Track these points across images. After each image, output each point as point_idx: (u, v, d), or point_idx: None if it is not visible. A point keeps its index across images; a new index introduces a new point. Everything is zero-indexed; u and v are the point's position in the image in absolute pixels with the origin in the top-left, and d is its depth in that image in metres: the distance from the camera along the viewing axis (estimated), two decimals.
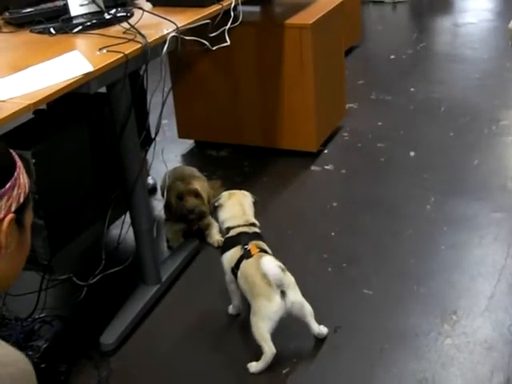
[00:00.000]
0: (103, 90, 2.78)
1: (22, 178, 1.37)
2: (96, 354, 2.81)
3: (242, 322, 2.93)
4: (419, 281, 3.11)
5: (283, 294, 2.60)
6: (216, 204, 2.99)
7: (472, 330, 2.79)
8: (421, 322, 2.86)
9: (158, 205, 3.84)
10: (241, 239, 2.84)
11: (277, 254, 3.25)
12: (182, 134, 4.62)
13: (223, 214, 2.97)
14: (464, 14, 7.35)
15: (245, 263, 2.75)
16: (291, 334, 2.81)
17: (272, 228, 3.60)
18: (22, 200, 1.35)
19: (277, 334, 2.74)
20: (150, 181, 4.04)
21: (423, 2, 8.01)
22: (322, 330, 2.79)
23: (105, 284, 2.96)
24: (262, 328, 2.62)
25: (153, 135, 3.02)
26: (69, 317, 2.98)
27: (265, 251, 2.83)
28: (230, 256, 2.84)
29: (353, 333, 2.84)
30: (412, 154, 4.27)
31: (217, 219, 3.06)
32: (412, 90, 5.28)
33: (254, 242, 2.82)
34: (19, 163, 1.38)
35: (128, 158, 2.89)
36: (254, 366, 2.68)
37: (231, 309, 2.99)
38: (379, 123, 4.73)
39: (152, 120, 3.15)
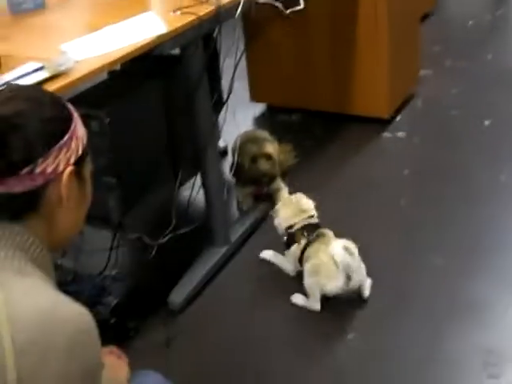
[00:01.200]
0: (177, 51, 2.79)
1: (79, 129, 1.35)
2: (164, 312, 2.86)
3: None
4: (491, 252, 3.07)
5: (349, 277, 2.69)
6: (274, 215, 3.08)
7: None
8: (490, 293, 2.82)
9: (229, 167, 3.86)
10: (304, 231, 2.93)
11: (346, 220, 3.26)
12: (254, 97, 4.62)
13: (278, 220, 3.04)
14: None
15: (309, 250, 2.85)
16: (359, 299, 2.81)
17: (342, 194, 3.59)
18: (80, 152, 1.33)
19: (345, 299, 2.76)
20: (222, 143, 4.06)
21: None
22: (365, 293, 2.85)
23: (175, 244, 2.99)
24: (316, 291, 2.77)
25: (225, 98, 3.03)
26: (139, 275, 3.04)
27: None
28: (295, 249, 2.94)
29: (419, 301, 2.82)
30: (486, 122, 4.18)
31: (277, 228, 3.09)
32: (489, 57, 5.15)
33: (320, 230, 2.91)
34: (75, 114, 1.36)
35: (200, 120, 2.91)
36: (298, 298, 2.86)
37: (267, 255, 3.16)
38: (454, 91, 4.64)
39: (224, 83, 3.16)
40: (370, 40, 4.05)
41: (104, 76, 2.98)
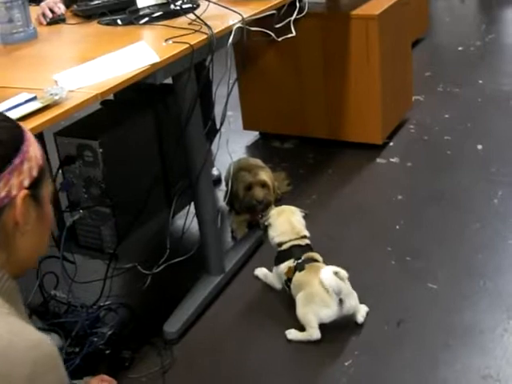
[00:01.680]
0: (169, 80, 2.80)
1: (32, 150, 1.30)
2: (159, 342, 2.84)
3: None
4: (486, 276, 3.06)
5: (341, 301, 2.70)
6: (266, 223, 3.06)
7: None
8: (486, 318, 2.81)
9: (223, 196, 3.86)
10: (293, 253, 2.94)
11: (340, 246, 3.25)
12: (247, 125, 4.63)
13: (273, 232, 3.04)
14: None
15: (298, 275, 2.84)
16: (354, 326, 2.80)
17: (336, 220, 3.59)
18: (35, 174, 1.29)
19: (340, 326, 2.74)
20: (215, 172, 4.06)
21: None
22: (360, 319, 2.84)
23: (169, 273, 2.98)
24: (312, 319, 2.74)
25: (218, 126, 3.03)
26: (133, 305, 3.01)
27: (316, 261, 2.91)
28: (283, 268, 2.94)
29: (416, 327, 2.81)
30: (479, 147, 4.19)
31: (268, 237, 3.10)
32: (480, 82, 5.18)
33: (308, 254, 2.91)
34: (28, 135, 1.32)
35: (193, 149, 2.91)
36: (293, 334, 2.79)
37: (260, 272, 3.19)
38: (446, 115, 4.66)
39: (217, 111, 3.16)
40: (362, 66, 4.07)
41: (97, 106, 2.98)
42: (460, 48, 5.97)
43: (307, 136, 4.43)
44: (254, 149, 4.53)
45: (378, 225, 3.54)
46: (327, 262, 2.93)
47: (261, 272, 3.17)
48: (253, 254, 3.37)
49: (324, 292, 2.69)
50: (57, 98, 2.10)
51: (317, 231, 3.38)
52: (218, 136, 3.08)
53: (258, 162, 3.70)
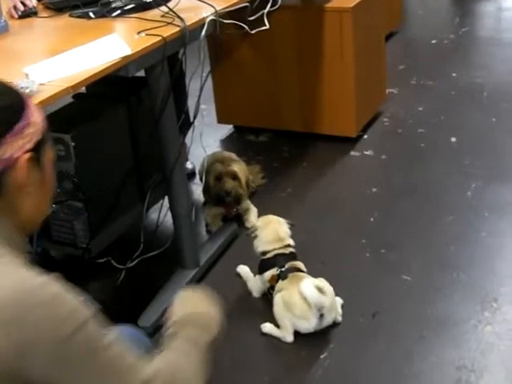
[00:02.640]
0: (142, 73, 2.78)
1: (33, 115, 1.37)
2: None
3: None
4: (459, 268, 3.07)
5: (321, 316, 2.68)
6: (252, 235, 3.01)
7: None
8: (460, 309, 2.83)
9: (197, 189, 3.84)
10: (277, 261, 2.90)
11: (315, 239, 3.25)
12: (221, 118, 4.62)
13: (258, 242, 2.99)
14: None
15: (281, 283, 2.81)
16: None
17: (311, 213, 3.59)
18: (37, 138, 1.36)
19: None
20: (189, 165, 4.04)
21: None
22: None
23: (143, 267, 2.97)
24: (288, 325, 2.73)
25: (192, 120, 3.02)
26: (107, 299, 2.99)
27: (301, 271, 2.87)
28: (267, 276, 2.91)
29: (391, 319, 2.81)
30: (453, 139, 4.21)
31: (254, 247, 3.05)
32: (454, 75, 5.20)
33: (291, 263, 2.88)
34: (29, 101, 1.38)
35: (166, 142, 2.89)
36: (268, 328, 2.79)
37: (241, 270, 3.15)
38: (420, 108, 4.68)
39: (191, 104, 3.15)
40: (335, 59, 4.07)
41: (69, 99, 2.96)
42: (434, 41, 5.99)
43: (282, 129, 4.43)
44: (228, 142, 4.52)
45: (352, 217, 3.54)
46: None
47: (243, 271, 3.13)
48: (228, 247, 3.36)
49: (304, 304, 2.66)
50: (27, 91, 2.08)
51: None
52: (192, 129, 3.07)
53: (233, 155, 3.70)
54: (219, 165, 3.52)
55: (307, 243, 3.26)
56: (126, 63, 2.40)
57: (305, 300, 2.65)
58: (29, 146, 1.34)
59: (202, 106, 4.53)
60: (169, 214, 3.09)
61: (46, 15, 3.09)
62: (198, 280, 3.12)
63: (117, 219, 2.95)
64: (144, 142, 2.97)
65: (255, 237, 3.00)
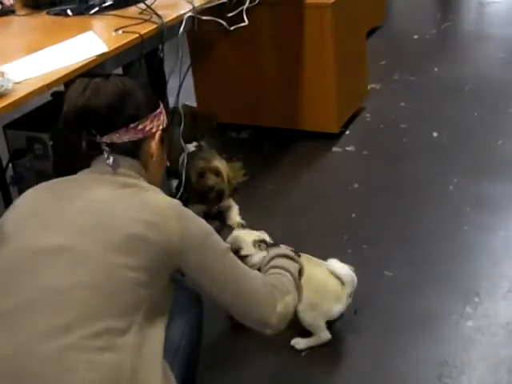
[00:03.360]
0: (120, 71, 2.76)
1: (163, 110, 1.97)
2: None
3: None
4: (441, 263, 3.07)
5: (350, 294, 2.57)
6: (241, 256, 2.61)
7: (494, 313, 2.75)
8: (442, 305, 2.82)
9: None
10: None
11: (297, 235, 3.24)
12: None
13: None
14: None
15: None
16: None
17: (293, 210, 3.58)
18: (166, 123, 1.96)
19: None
20: (168, 163, 4.00)
21: None
22: None
23: None
24: (321, 322, 2.60)
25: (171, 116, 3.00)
26: None
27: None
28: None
29: (373, 315, 2.81)
30: (435, 134, 4.21)
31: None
32: (436, 69, 5.20)
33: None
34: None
35: None
36: (301, 343, 2.65)
37: None
38: (402, 104, 4.68)
39: (172, 102, 3.13)
40: (316, 55, 4.06)
41: (47, 97, 2.94)
42: (416, 36, 5.99)
43: (263, 126, 4.41)
44: (209, 138, 4.49)
45: (334, 213, 3.54)
46: None
47: None
48: None
49: (337, 285, 2.55)
50: (2, 89, 2.07)
51: (273, 221, 3.37)
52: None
53: (213, 152, 3.68)
54: (201, 161, 3.50)
55: (289, 239, 3.23)
56: (103, 60, 2.40)
57: (337, 280, 2.54)
58: (162, 127, 1.93)
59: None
60: None
61: (23, 13, 3.07)
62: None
63: None
64: None
65: (245, 257, 2.61)
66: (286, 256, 2.27)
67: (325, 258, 2.69)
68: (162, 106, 1.96)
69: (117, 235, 1.70)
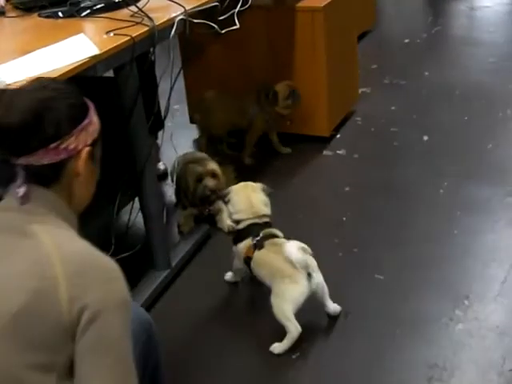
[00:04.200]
0: (111, 73, 2.76)
1: (94, 116, 1.63)
2: None
3: (253, 306, 2.93)
4: (431, 266, 3.08)
5: (309, 275, 2.64)
6: (226, 199, 2.99)
7: (484, 316, 2.76)
8: (432, 308, 2.83)
9: (170, 190, 3.83)
10: (250, 231, 2.87)
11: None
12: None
13: (231, 208, 2.98)
14: None
15: (258, 253, 2.79)
16: (302, 319, 2.79)
17: (284, 213, 3.57)
18: (95, 135, 1.62)
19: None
20: (161, 166, 4.02)
21: None
22: (336, 308, 2.81)
23: None
24: (287, 309, 2.65)
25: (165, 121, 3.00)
26: None
27: (276, 236, 2.86)
28: (242, 247, 2.88)
29: (364, 318, 2.81)
30: (425, 138, 4.22)
31: (219, 221, 3.11)
32: (426, 74, 5.23)
33: (266, 231, 2.86)
34: (91, 105, 1.64)
35: (136, 143, 2.87)
36: (278, 347, 2.68)
37: (230, 276, 3.09)
38: (392, 107, 4.69)
39: (163, 105, 3.13)
40: (307, 59, 4.07)
41: None
42: (406, 40, 6.02)
43: None
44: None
45: (325, 217, 3.55)
46: None
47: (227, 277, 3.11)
48: (200, 248, 3.34)
49: (291, 268, 2.63)
50: None
51: None
52: (164, 130, 3.05)
53: (204, 155, 3.68)
54: (196, 165, 3.50)
55: None
56: (94, 63, 2.38)
57: (290, 263, 2.63)
58: (89, 141, 1.60)
59: (176, 106, 4.55)
60: (140, 215, 3.06)
61: (14, 15, 3.06)
62: (170, 281, 3.10)
63: (87, 220, 2.92)
64: (114, 143, 2.94)
65: (228, 201, 2.99)
66: None
67: (315, 261, 2.70)
68: (91, 111, 1.63)
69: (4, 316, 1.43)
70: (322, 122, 4.22)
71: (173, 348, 2.74)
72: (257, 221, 2.91)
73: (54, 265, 1.44)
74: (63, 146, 1.54)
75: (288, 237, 2.87)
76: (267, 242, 2.80)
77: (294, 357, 2.65)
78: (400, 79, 5.16)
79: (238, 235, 2.94)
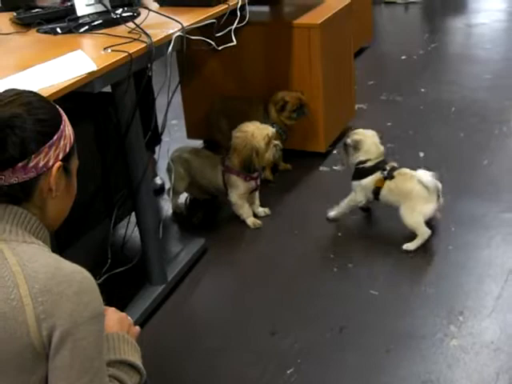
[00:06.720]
0: (108, 89, 2.78)
1: (67, 129, 1.56)
2: None
3: (249, 317, 2.94)
4: (426, 282, 3.10)
5: (438, 196, 3.28)
6: (350, 141, 3.51)
7: (478, 331, 2.77)
8: (427, 323, 2.84)
9: (166, 204, 3.84)
10: (377, 167, 3.43)
11: (284, 253, 3.26)
12: (191, 134, 4.62)
13: (361, 150, 3.47)
14: (476, 15, 7.32)
15: (389, 182, 3.37)
16: (296, 333, 2.80)
17: (280, 228, 3.60)
18: (68, 149, 1.55)
19: (282, 334, 2.74)
20: (158, 181, 4.03)
21: (435, 2, 7.99)
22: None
23: (111, 283, 2.95)
24: (419, 219, 3.27)
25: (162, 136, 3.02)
26: None
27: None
28: (370, 181, 3.43)
29: (358, 333, 2.82)
30: (421, 154, 4.24)
31: (350, 155, 3.54)
32: (422, 90, 5.25)
33: (390, 164, 3.45)
34: (64, 116, 1.57)
35: (133, 158, 2.88)
36: (411, 245, 3.29)
37: (335, 213, 3.61)
38: (389, 124, 4.71)
39: (161, 120, 3.15)
40: (304, 75, 4.09)
41: None
42: (403, 57, 6.05)
43: None
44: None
45: (320, 232, 3.55)
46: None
47: (333, 213, 3.60)
48: (196, 262, 3.35)
49: (425, 191, 3.23)
50: None
51: (260, 239, 3.39)
52: (161, 145, 3.07)
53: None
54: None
55: (275, 257, 3.27)
56: (92, 79, 2.40)
57: (423, 186, 3.24)
58: (61, 155, 1.53)
59: (173, 122, 4.57)
60: (136, 229, 3.08)
61: (13, 31, 3.08)
62: (166, 296, 3.11)
63: (85, 235, 2.94)
64: (111, 158, 2.96)
65: (358, 143, 3.47)
66: (129, 364, 1.71)
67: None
68: (63, 124, 1.56)
69: None
70: (319, 138, 4.24)
71: (168, 362, 2.75)
72: (381, 159, 3.45)
73: (18, 285, 1.39)
74: (31, 164, 1.48)
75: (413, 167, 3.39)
76: (395, 173, 3.37)
77: (288, 372, 2.65)
78: (396, 95, 5.19)
79: (363, 172, 3.44)
